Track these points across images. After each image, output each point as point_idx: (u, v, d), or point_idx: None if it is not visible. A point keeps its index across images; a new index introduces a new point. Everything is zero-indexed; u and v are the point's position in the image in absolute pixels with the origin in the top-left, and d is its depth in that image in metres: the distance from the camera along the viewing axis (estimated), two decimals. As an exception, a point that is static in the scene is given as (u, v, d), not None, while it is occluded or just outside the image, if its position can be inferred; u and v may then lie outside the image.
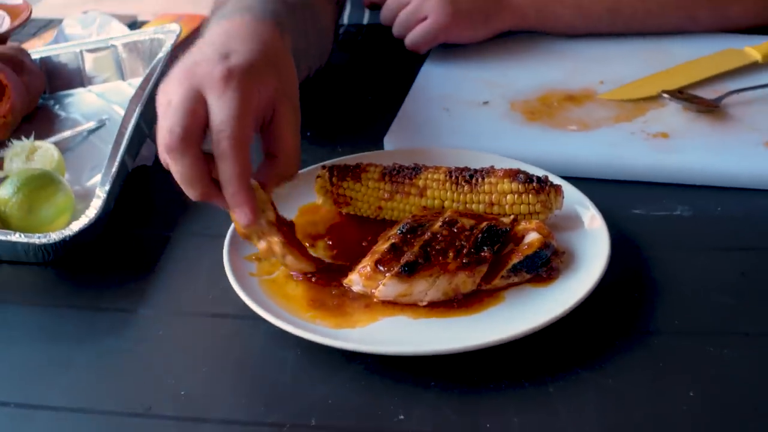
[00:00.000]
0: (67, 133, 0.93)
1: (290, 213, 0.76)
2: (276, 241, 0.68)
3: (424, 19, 1.06)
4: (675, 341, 0.63)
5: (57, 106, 1.02)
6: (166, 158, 0.64)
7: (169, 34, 0.98)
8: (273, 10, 0.77)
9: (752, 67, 0.99)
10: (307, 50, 0.91)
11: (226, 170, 0.64)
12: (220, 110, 0.64)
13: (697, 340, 0.63)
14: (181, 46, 0.76)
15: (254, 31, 0.72)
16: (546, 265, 0.67)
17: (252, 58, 0.67)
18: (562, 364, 0.61)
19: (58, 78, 1.04)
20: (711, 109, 0.90)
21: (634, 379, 0.60)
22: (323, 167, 0.77)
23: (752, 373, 0.60)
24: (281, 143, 0.69)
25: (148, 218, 0.82)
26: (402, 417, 0.57)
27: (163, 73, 0.87)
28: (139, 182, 0.86)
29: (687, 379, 0.59)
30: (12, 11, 1.16)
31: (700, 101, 0.91)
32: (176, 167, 0.64)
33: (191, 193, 0.66)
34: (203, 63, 0.66)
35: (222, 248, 0.70)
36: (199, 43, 0.71)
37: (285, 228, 0.69)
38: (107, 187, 0.76)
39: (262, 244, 0.68)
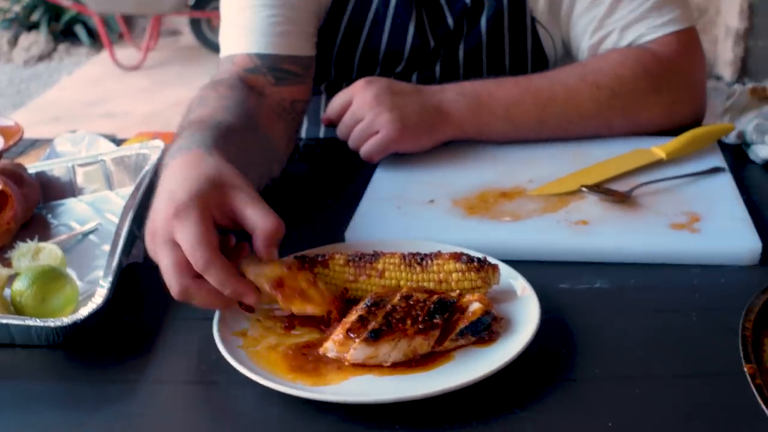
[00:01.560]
0: (64, 236, 1.05)
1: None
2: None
3: (376, 133, 1.18)
4: (596, 385, 0.76)
5: (50, 215, 1.14)
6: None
7: (154, 149, 1.12)
8: (200, 139, 0.95)
9: (658, 164, 1.14)
10: (251, 163, 1.02)
11: (214, 279, 0.80)
12: (184, 242, 0.81)
13: (614, 384, 0.76)
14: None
15: (186, 164, 0.89)
16: (487, 329, 0.80)
17: (190, 187, 0.84)
18: (505, 407, 0.73)
19: (52, 189, 1.16)
20: (624, 199, 1.05)
21: (563, 415, 0.72)
22: (295, 257, 0.90)
23: (661, 407, 0.73)
24: (249, 221, 0.85)
25: (142, 307, 0.94)
26: (373, 454, 0.69)
27: (150, 185, 1.01)
28: (131, 277, 0.97)
29: (606, 413, 0.72)
30: (5, 132, 1.29)
31: (614, 193, 1.06)
32: (195, 300, 0.82)
33: (221, 301, 0.83)
34: (157, 215, 0.83)
35: (210, 328, 0.82)
36: (157, 189, 0.88)
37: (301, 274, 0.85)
38: (110, 278, 0.88)
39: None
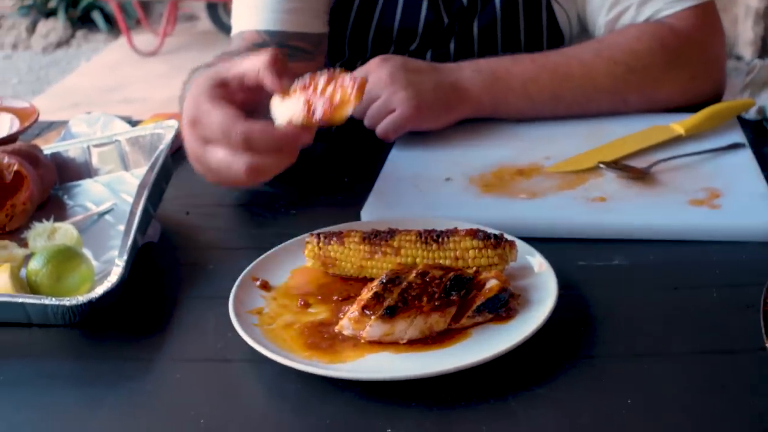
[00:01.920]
0: (79, 217, 1.05)
1: (283, 276, 0.88)
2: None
3: (393, 111, 1.17)
4: (614, 362, 0.75)
5: (66, 196, 1.14)
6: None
7: (168, 129, 1.11)
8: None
9: (677, 140, 1.13)
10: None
11: (261, 138, 0.86)
12: (217, 125, 0.87)
13: (632, 360, 0.75)
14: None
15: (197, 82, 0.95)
16: (505, 306, 0.79)
17: (202, 87, 0.92)
18: (522, 384, 0.73)
19: (68, 170, 1.16)
20: (642, 176, 1.04)
21: (581, 393, 0.72)
22: (311, 234, 0.90)
23: (678, 383, 0.72)
24: (250, 73, 0.92)
25: (157, 286, 0.93)
26: (389, 431, 0.69)
27: (165, 164, 1.00)
28: (147, 257, 0.97)
29: (625, 390, 0.71)
30: (21, 114, 1.29)
31: (632, 170, 1.05)
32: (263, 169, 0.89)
33: (285, 156, 0.89)
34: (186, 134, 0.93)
35: (225, 306, 0.82)
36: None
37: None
38: (125, 257, 0.88)
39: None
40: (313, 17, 1.30)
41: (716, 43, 1.29)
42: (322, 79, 0.88)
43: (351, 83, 0.86)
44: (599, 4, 1.30)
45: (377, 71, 1.19)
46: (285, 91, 0.89)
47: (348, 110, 0.86)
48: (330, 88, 0.87)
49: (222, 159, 0.89)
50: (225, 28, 5.55)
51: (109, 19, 6.02)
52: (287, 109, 0.88)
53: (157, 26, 5.91)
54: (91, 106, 4.45)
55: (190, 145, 0.94)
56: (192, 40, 5.78)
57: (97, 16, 5.99)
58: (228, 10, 5.49)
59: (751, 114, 1.24)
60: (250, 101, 0.93)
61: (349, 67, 1.39)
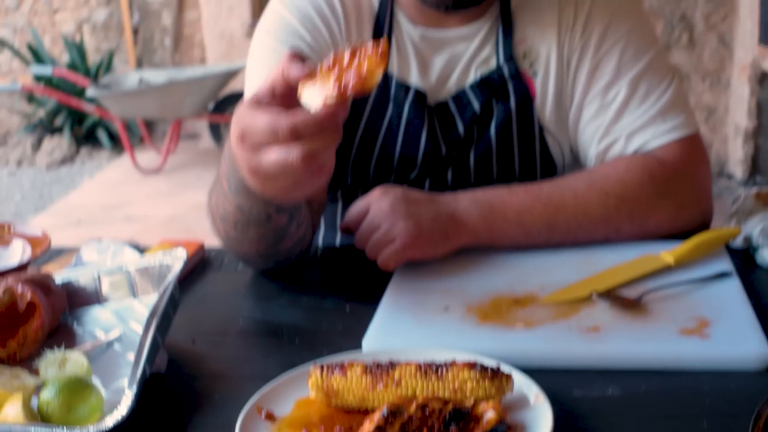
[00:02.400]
0: (89, 345, 1.09)
1: (288, 406, 0.91)
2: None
3: (393, 241, 1.21)
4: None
5: (75, 323, 1.17)
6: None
7: (177, 260, 1.15)
8: None
9: (667, 269, 1.17)
10: None
11: (310, 129, 0.90)
12: (261, 129, 0.91)
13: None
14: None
15: None
16: (502, 437, 0.82)
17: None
18: None
19: (77, 297, 1.19)
20: (634, 305, 1.08)
21: None
22: (314, 365, 0.93)
23: None
24: (279, 74, 0.96)
25: (165, 416, 0.96)
26: None
27: (173, 294, 1.04)
28: (155, 386, 1.00)
29: None
30: (33, 241, 1.33)
31: (624, 299, 1.09)
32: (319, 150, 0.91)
33: (332, 135, 0.92)
34: (237, 150, 0.97)
35: (232, 436, 0.85)
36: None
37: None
38: (134, 388, 0.90)
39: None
40: None
41: (702, 173, 1.35)
42: (346, 54, 0.91)
43: (374, 50, 0.89)
44: (590, 136, 1.37)
45: (378, 202, 1.24)
46: (312, 76, 0.92)
47: (378, 76, 0.89)
48: (355, 61, 0.90)
49: (276, 158, 0.91)
50: (226, 146, 5.68)
51: (113, 137, 6.16)
52: (319, 92, 0.90)
53: (160, 144, 6.04)
54: (93, 223, 4.52)
55: (245, 160, 0.96)
56: (194, 158, 5.90)
57: (101, 133, 6.13)
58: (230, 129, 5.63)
59: (738, 242, 1.28)
60: (286, 107, 0.95)
61: (352, 193, 1.45)
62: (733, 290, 1.12)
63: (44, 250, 1.32)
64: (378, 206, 1.24)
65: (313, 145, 0.91)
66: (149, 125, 6.22)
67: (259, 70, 1.42)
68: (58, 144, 6.09)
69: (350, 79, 0.89)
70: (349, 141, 1.42)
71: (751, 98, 4.60)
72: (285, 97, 0.96)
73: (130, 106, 5.33)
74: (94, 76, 6.08)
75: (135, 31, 6.44)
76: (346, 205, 1.45)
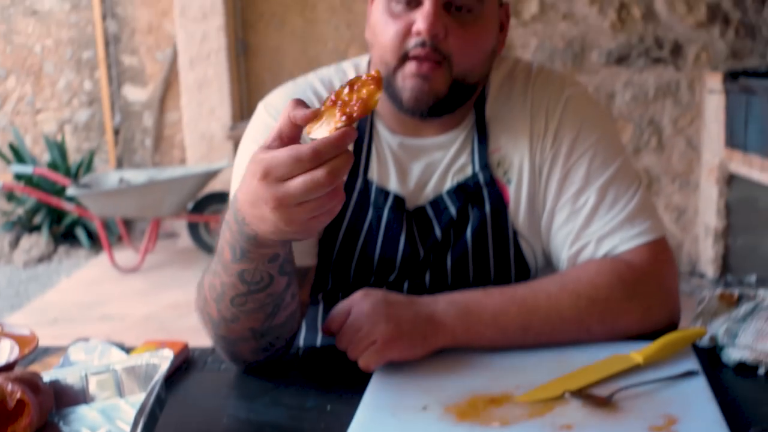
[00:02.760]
0: (76, 445, 1.11)
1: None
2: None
3: (374, 342, 1.25)
4: None
5: (62, 422, 1.19)
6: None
7: (164, 359, 1.18)
8: None
9: (636, 368, 1.21)
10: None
11: (330, 150, 0.99)
12: (282, 163, 1.01)
13: None
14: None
15: None
16: None
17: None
18: None
19: (65, 396, 1.21)
20: (605, 403, 1.11)
21: None
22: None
23: None
24: (277, 130, 1.06)
25: None
26: None
27: (159, 395, 1.07)
28: (141, 484, 1.02)
29: None
30: (21, 340, 1.36)
31: (596, 398, 1.12)
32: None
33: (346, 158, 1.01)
34: (249, 197, 1.08)
35: None
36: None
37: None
38: (123, 486, 0.93)
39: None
40: (304, 253, 1.42)
41: (669, 276, 1.40)
42: (344, 89, 1.01)
43: (370, 78, 1.00)
44: (562, 240, 1.43)
45: (360, 304, 1.29)
46: (317, 117, 1.01)
47: (377, 98, 0.99)
48: (354, 93, 1.00)
49: (304, 180, 1.00)
50: (205, 246, 5.73)
51: (92, 236, 6.19)
52: (326, 127, 1.00)
53: (138, 243, 6.08)
54: (69, 322, 4.51)
55: (271, 195, 1.03)
56: (172, 257, 5.93)
57: (80, 232, 6.15)
58: (209, 230, 5.70)
59: (704, 342, 1.33)
60: None
61: (332, 295, 1.50)
62: (699, 388, 1.16)
63: (32, 350, 1.34)
64: (359, 308, 1.28)
65: (335, 163, 1.00)
66: (128, 224, 6.26)
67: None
68: (36, 242, 6.10)
69: (354, 105, 0.99)
70: (330, 244, 1.48)
71: (719, 199, 4.72)
72: (292, 139, 1.04)
73: (110, 205, 5.38)
74: (74, 175, 6.14)
75: (116, 132, 6.53)
76: (327, 307, 1.50)
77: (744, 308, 1.35)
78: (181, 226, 6.24)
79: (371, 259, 1.48)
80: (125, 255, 5.81)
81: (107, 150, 6.53)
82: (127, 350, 1.41)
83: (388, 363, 1.27)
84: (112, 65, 6.45)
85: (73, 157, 6.48)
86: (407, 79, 1.37)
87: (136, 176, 5.67)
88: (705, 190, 4.87)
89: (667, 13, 4.78)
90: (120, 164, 6.54)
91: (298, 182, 1.01)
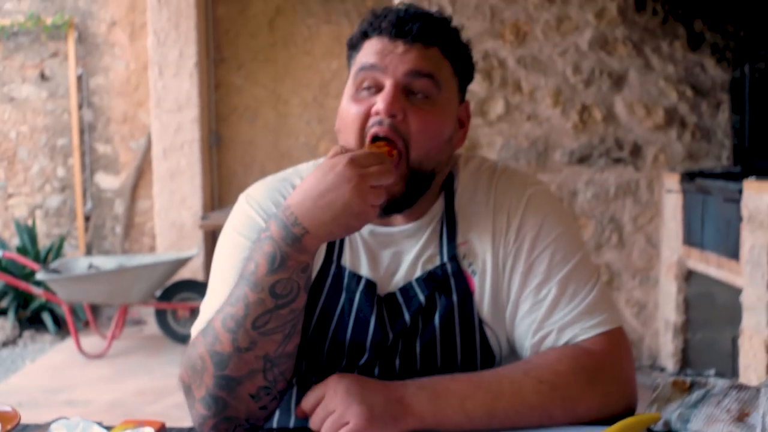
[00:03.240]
0: None
1: None
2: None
3: (347, 424, 1.30)
4: None
5: (43, 498, 1.24)
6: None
7: (146, 435, 1.24)
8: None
9: None
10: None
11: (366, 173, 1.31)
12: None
13: None
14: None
15: None
16: None
17: None
18: None
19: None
20: (565, 483, 1.18)
21: None
22: None
23: None
24: None
25: None
26: None
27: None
28: None
29: None
30: (2, 417, 1.39)
31: (557, 478, 1.19)
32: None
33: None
34: None
35: None
36: None
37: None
38: None
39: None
40: None
41: (626, 363, 1.46)
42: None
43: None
44: (525, 329, 1.50)
45: (334, 387, 1.34)
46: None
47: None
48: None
49: (378, 169, 1.33)
50: (171, 333, 5.73)
51: (58, 321, 6.16)
52: None
53: (105, 329, 6.06)
54: (34, 407, 4.47)
55: (356, 173, 1.31)
56: (138, 344, 5.91)
57: (46, 317, 6.13)
58: (177, 317, 5.71)
59: (659, 427, 1.39)
60: None
61: (306, 378, 1.55)
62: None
63: (14, 426, 1.38)
64: (333, 391, 1.34)
65: (390, 164, 1.35)
66: (94, 310, 6.25)
67: (225, 262, 1.54)
68: (1, 326, 6.06)
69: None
70: (305, 327, 1.54)
71: (678, 294, 4.84)
72: None
73: (79, 290, 5.39)
74: (43, 260, 6.15)
75: (87, 218, 6.58)
76: (301, 391, 1.55)
77: (696, 394, 1.42)
78: (148, 313, 6.24)
79: (343, 343, 1.53)
80: (91, 341, 5.79)
81: (77, 236, 6.56)
82: (108, 429, 1.45)
83: (359, 445, 1.31)
84: (86, 153, 6.54)
85: (43, 242, 6.50)
86: None
87: (105, 262, 5.70)
88: (664, 285, 4.99)
89: (626, 115, 4.97)
90: (89, 250, 6.57)
91: (375, 168, 1.31)
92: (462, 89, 1.57)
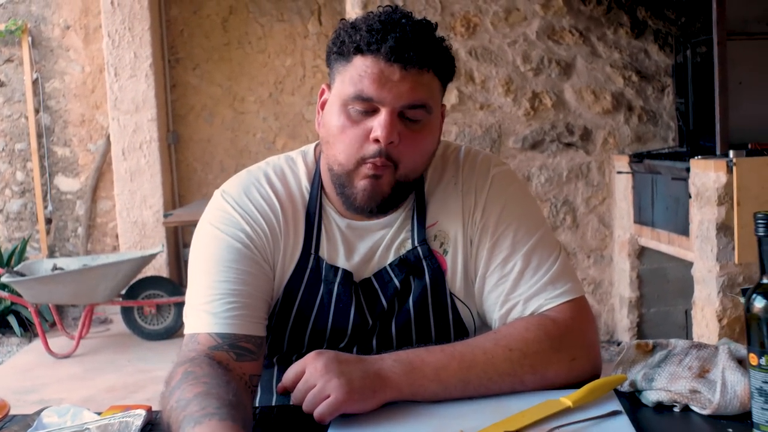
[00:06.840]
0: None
1: None
2: None
3: (327, 397, 1.36)
4: None
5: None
6: None
7: (136, 417, 1.30)
8: (227, 411, 1.24)
9: (566, 411, 1.37)
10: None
11: None
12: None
13: None
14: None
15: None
16: None
17: None
18: None
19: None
20: (539, 440, 1.28)
21: None
22: None
23: None
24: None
25: None
26: None
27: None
28: None
29: None
30: (-8, 408, 1.44)
31: (531, 437, 1.29)
32: None
33: None
34: None
35: None
36: None
37: None
38: None
39: None
40: (256, 323, 1.55)
41: (589, 330, 1.57)
42: None
43: None
44: (493, 302, 1.60)
45: (313, 363, 1.41)
46: None
47: None
48: None
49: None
50: (138, 330, 5.76)
51: (23, 323, 6.15)
52: None
53: (72, 330, 6.06)
54: (5, 409, 4.48)
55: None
56: (106, 342, 5.93)
57: (12, 320, 6.11)
58: (143, 314, 5.73)
59: (625, 387, 1.48)
60: None
61: (286, 358, 1.63)
62: (623, 426, 1.33)
63: (4, 416, 1.43)
64: (313, 367, 1.41)
65: None
66: (60, 310, 6.24)
67: (203, 254, 1.60)
68: (-34, 331, 6.04)
69: None
70: (286, 316, 1.62)
71: (632, 271, 4.99)
72: None
73: (45, 292, 5.40)
74: (5, 264, 6.13)
75: (48, 221, 6.57)
76: (281, 370, 1.63)
77: (658, 355, 1.51)
78: (114, 310, 6.25)
79: (324, 331, 1.62)
80: (59, 341, 5.79)
81: (39, 239, 6.55)
82: (97, 414, 1.50)
83: (341, 416, 1.38)
84: (45, 156, 6.52)
85: (5, 246, 6.48)
86: (362, 180, 1.54)
87: (69, 264, 5.70)
88: (618, 263, 5.13)
89: (575, 102, 5.10)
90: (52, 253, 6.56)
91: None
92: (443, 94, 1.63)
